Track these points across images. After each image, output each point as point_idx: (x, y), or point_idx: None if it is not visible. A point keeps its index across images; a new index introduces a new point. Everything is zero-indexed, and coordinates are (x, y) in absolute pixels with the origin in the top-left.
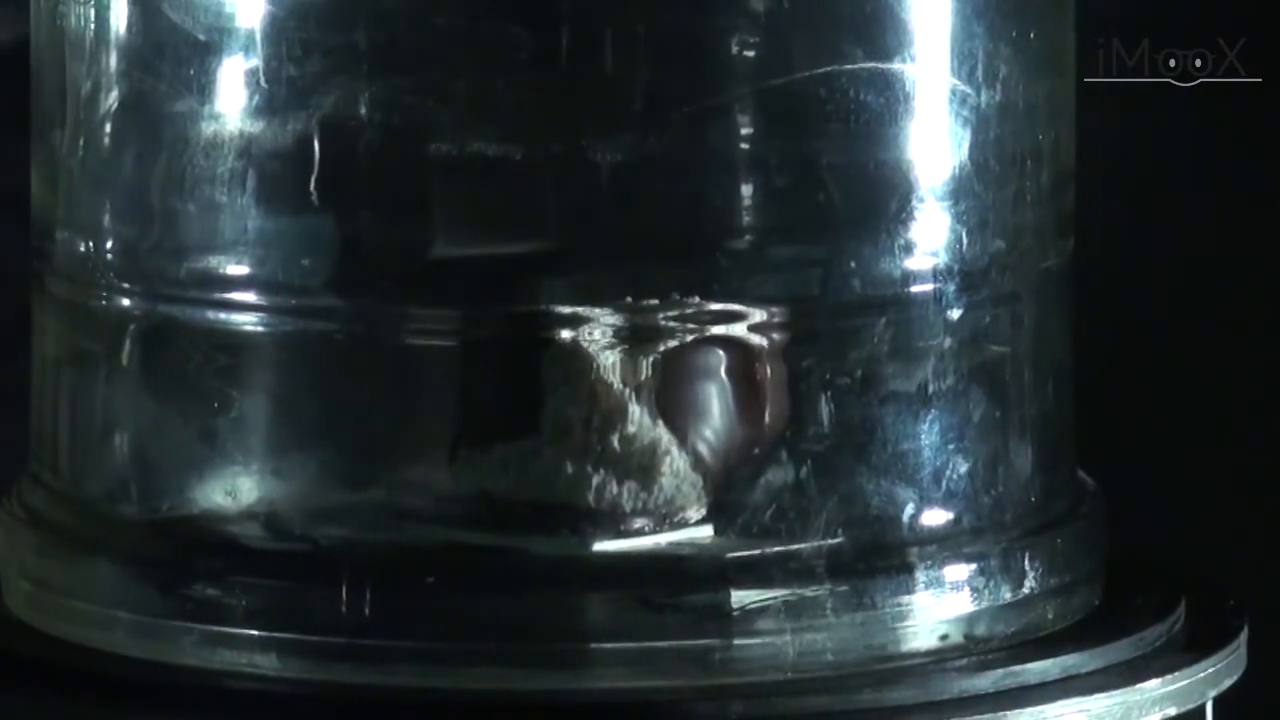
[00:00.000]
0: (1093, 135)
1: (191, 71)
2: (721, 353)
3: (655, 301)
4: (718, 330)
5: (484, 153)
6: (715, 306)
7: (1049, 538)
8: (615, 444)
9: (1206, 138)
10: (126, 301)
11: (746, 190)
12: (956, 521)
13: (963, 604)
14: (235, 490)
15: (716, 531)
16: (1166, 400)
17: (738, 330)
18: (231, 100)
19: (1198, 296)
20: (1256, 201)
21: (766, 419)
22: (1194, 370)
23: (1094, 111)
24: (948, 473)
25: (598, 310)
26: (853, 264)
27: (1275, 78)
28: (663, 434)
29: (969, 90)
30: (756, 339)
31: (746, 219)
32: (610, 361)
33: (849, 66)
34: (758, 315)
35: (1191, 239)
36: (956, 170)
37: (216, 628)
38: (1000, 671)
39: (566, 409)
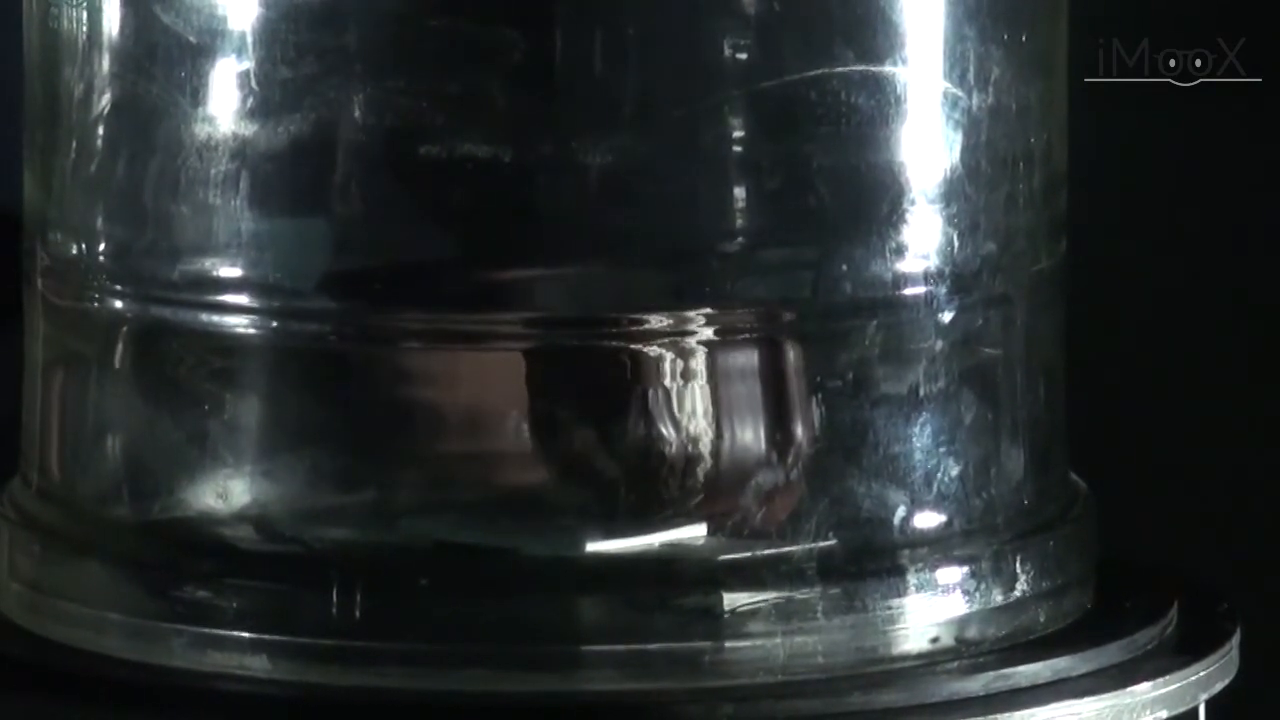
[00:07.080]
0: (1092, 135)
1: (184, 74)
2: (713, 355)
3: (645, 303)
4: (706, 332)
5: (475, 155)
6: (705, 309)
7: (1041, 540)
8: (612, 439)
9: (1206, 138)
10: (119, 304)
11: (737, 193)
12: (948, 524)
13: (954, 607)
14: (226, 492)
15: (708, 533)
16: (1160, 403)
17: (726, 332)
18: (224, 102)
19: (1196, 297)
20: (1256, 202)
21: (758, 421)
22: (1189, 372)
23: (1094, 111)
24: (939, 475)
25: (591, 312)
26: (844, 266)
27: (1275, 78)
28: (661, 429)
29: (960, 93)
30: (747, 341)
31: (737, 221)
32: (604, 361)
33: (840, 69)
34: (748, 318)
35: (1190, 240)
36: (948, 173)
37: (207, 630)
38: (991, 674)
39: (560, 409)
